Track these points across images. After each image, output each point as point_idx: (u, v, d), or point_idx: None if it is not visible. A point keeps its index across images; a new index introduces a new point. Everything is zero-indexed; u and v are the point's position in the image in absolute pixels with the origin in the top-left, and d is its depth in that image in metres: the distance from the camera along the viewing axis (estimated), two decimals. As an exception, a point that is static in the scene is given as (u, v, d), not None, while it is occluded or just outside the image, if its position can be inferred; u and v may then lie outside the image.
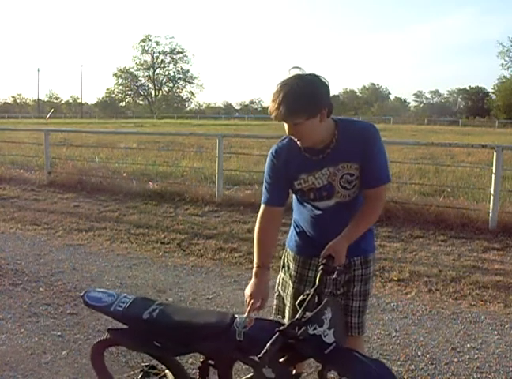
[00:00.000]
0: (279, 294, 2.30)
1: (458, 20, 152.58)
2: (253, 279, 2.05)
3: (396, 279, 4.44)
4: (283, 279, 2.28)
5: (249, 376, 1.99)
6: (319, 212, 2.09)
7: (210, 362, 2.02)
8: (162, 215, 6.90)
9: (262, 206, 2.15)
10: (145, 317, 1.96)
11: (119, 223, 6.41)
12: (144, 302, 2.07)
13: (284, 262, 2.30)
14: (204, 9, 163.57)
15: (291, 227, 2.28)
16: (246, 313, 1.95)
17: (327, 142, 1.98)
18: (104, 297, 2.08)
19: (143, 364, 2.42)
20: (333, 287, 2.14)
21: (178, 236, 5.80)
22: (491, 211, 6.03)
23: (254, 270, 2.07)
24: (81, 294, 2.14)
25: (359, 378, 1.71)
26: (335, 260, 1.90)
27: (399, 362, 3.02)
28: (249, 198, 7.34)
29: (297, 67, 1.88)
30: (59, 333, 3.39)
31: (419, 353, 3.14)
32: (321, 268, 1.86)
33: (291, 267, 2.23)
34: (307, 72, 1.88)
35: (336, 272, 1.88)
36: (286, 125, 1.91)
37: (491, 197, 6.06)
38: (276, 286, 2.32)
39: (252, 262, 5.39)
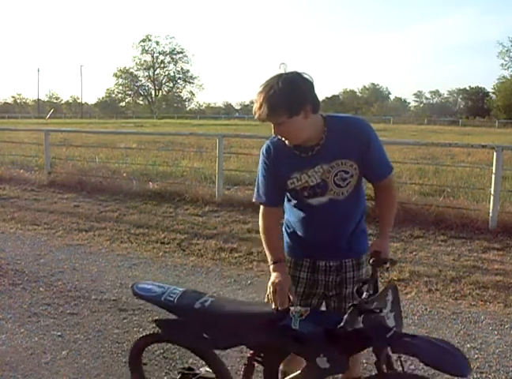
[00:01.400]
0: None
1: (458, 20, 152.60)
2: (273, 274, 1.99)
3: (396, 279, 4.44)
4: None
5: (297, 373, 1.94)
6: (311, 211, 2.07)
7: (257, 358, 1.99)
8: (162, 215, 6.90)
9: (261, 207, 2.14)
10: (197, 306, 1.95)
11: (119, 223, 6.41)
12: (195, 293, 2.08)
13: None
14: (204, 9, 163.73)
15: (283, 228, 2.26)
16: (273, 305, 1.91)
17: (316, 139, 1.96)
18: (154, 288, 2.09)
19: (181, 367, 2.40)
20: (324, 289, 2.13)
21: (178, 236, 5.80)
22: (491, 211, 6.03)
23: (272, 266, 2.03)
24: (130, 285, 2.17)
25: (429, 356, 1.69)
26: (382, 254, 1.95)
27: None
28: (249, 198, 7.32)
29: (283, 63, 1.88)
30: (59, 333, 3.39)
31: (419, 353, 3.13)
32: (373, 260, 1.90)
33: None
34: (290, 69, 1.87)
35: (387, 263, 1.95)
36: (272, 126, 1.91)
37: (491, 197, 6.05)
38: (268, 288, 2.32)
39: (252, 262, 5.40)
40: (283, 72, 1.86)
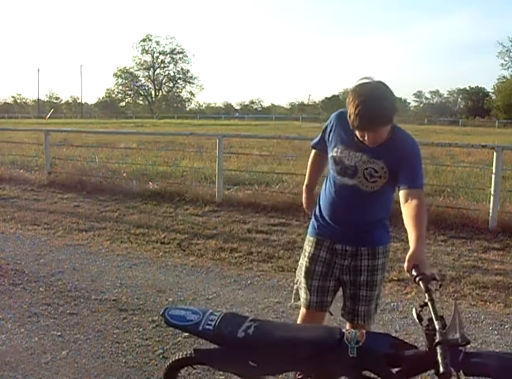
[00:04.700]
0: (297, 280, 2.46)
1: (458, 20, 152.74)
2: (304, 194, 2.68)
3: (396, 279, 4.44)
4: (300, 263, 2.45)
5: None
6: (336, 190, 2.26)
7: None
8: (162, 215, 6.90)
9: (313, 150, 2.58)
10: (240, 335, 1.80)
11: (119, 223, 6.41)
12: (236, 318, 1.92)
13: (303, 248, 2.47)
14: (204, 9, 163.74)
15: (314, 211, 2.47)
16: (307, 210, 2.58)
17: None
18: (188, 314, 1.92)
19: None
20: (339, 272, 2.29)
21: (178, 236, 5.80)
22: (491, 211, 6.03)
23: (304, 187, 2.68)
24: (161, 312, 1.98)
25: (504, 375, 1.62)
26: (420, 267, 1.89)
27: (399, 362, 3.02)
28: (249, 198, 7.33)
29: (366, 78, 2.07)
30: (59, 333, 3.39)
31: (419, 353, 3.13)
32: (420, 278, 1.85)
33: (306, 249, 2.40)
34: (375, 79, 2.05)
35: (436, 278, 1.87)
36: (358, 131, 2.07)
37: (491, 197, 6.05)
38: (297, 272, 2.49)
39: (252, 262, 5.44)
40: (370, 81, 2.05)
